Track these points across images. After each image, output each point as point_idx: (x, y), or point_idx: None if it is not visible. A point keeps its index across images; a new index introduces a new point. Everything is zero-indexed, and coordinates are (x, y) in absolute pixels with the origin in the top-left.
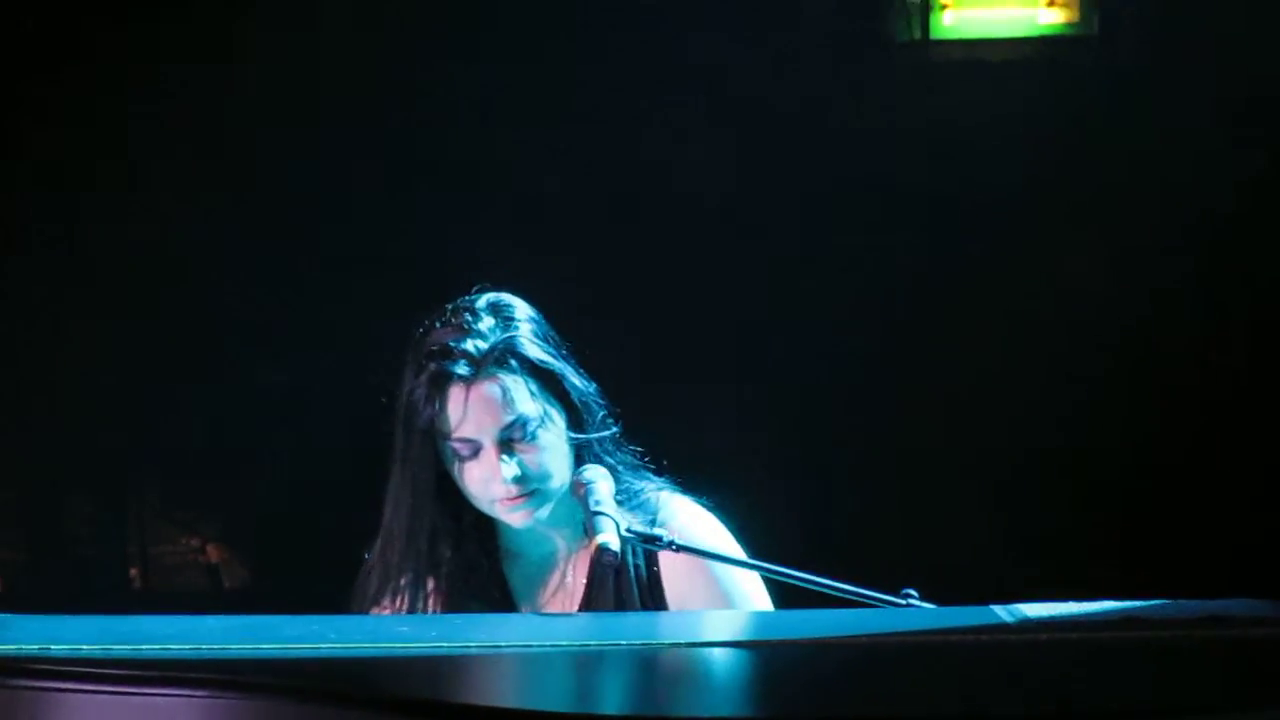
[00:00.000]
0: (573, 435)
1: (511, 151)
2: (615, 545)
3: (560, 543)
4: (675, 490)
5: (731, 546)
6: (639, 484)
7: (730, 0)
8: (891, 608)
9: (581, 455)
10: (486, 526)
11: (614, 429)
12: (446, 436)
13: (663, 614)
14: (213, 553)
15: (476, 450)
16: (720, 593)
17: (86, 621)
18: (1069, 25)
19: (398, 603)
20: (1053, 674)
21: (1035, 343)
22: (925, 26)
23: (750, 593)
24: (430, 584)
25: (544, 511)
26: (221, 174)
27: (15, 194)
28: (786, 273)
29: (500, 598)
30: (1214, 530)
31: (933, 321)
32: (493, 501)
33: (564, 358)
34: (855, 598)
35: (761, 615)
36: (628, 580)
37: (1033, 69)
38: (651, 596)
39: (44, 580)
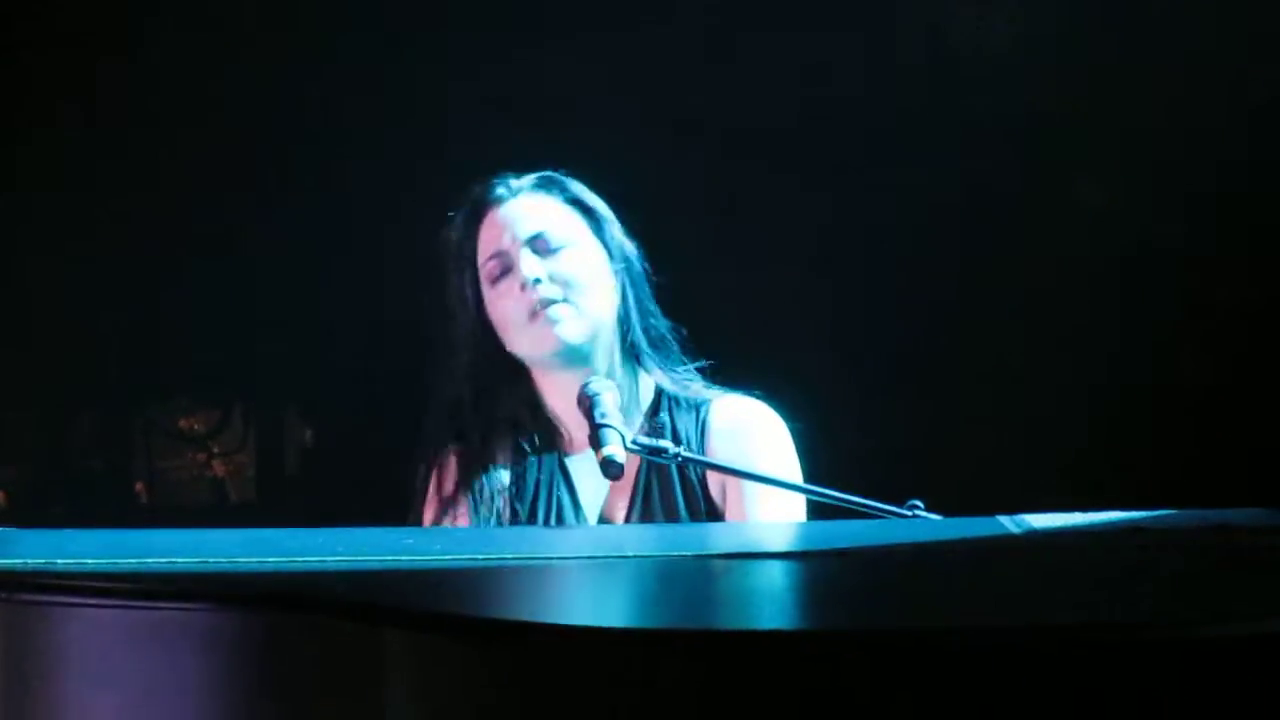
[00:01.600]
0: (618, 271)
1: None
2: (621, 458)
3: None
4: (720, 387)
5: (786, 439)
6: (691, 376)
7: None
8: (901, 518)
9: (626, 308)
10: (529, 387)
11: (664, 320)
12: (482, 264)
13: (670, 526)
14: (218, 467)
15: (507, 268)
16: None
17: (91, 535)
18: None
19: (451, 463)
20: (1059, 584)
21: (1052, 263)
22: None
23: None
24: (482, 443)
25: (578, 333)
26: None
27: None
28: (808, 193)
29: (555, 461)
30: (1223, 442)
31: (950, 241)
32: (523, 324)
33: (617, 227)
34: (864, 509)
35: (768, 527)
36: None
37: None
38: (701, 478)
39: (49, 495)
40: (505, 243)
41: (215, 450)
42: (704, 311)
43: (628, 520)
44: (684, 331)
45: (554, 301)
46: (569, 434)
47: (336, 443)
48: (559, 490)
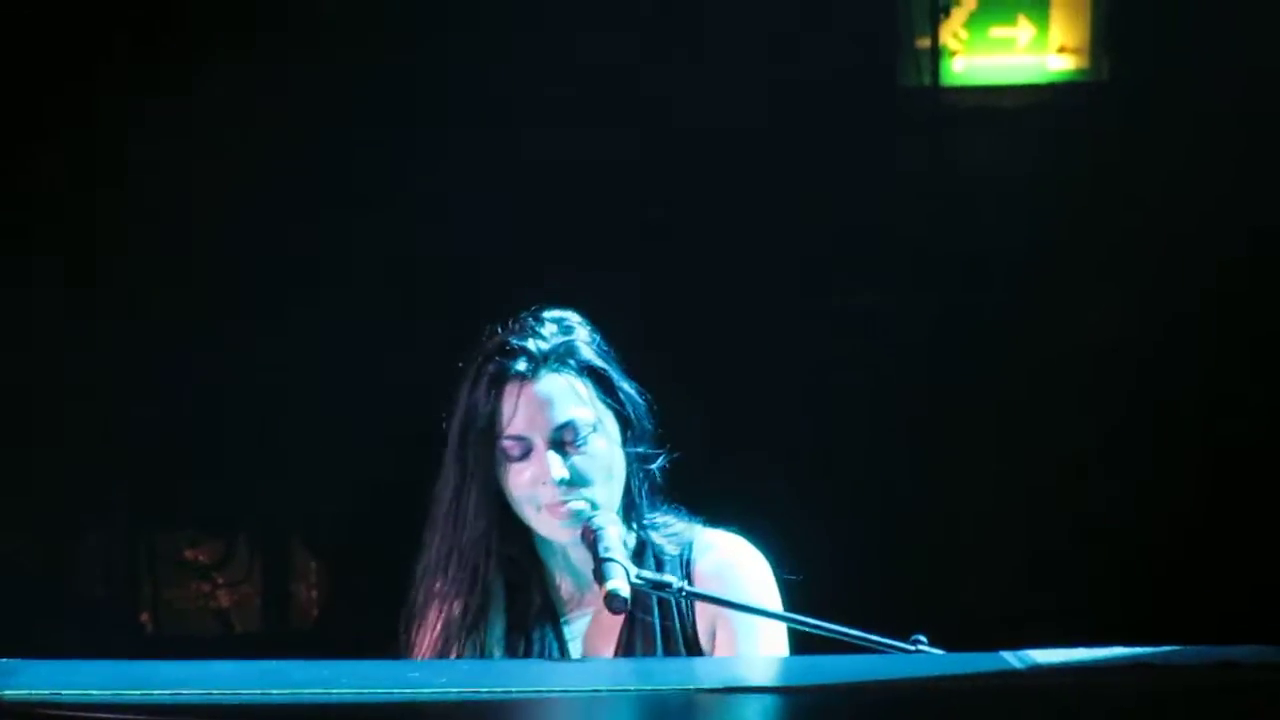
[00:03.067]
0: (627, 447)
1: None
2: (625, 592)
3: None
4: (704, 523)
5: (770, 577)
6: (667, 517)
7: (739, 39)
8: (904, 653)
9: (630, 472)
10: (531, 546)
11: (663, 452)
12: (499, 436)
13: (669, 659)
14: (224, 597)
15: (527, 450)
16: (743, 618)
17: (97, 666)
18: (1079, 72)
19: (451, 617)
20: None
21: (1047, 388)
22: (935, 72)
23: (771, 626)
24: (483, 599)
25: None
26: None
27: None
28: (790, 321)
29: (549, 619)
30: (1227, 577)
31: (943, 370)
32: (539, 506)
33: (620, 370)
34: (866, 643)
35: (771, 660)
36: (669, 606)
37: (1043, 116)
38: (688, 616)
39: (55, 625)
40: (527, 428)
41: (220, 581)
42: (678, 441)
43: None
44: (667, 470)
45: (575, 498)
46: (565, 595)
47: (341, 574)
48: (549, 644)
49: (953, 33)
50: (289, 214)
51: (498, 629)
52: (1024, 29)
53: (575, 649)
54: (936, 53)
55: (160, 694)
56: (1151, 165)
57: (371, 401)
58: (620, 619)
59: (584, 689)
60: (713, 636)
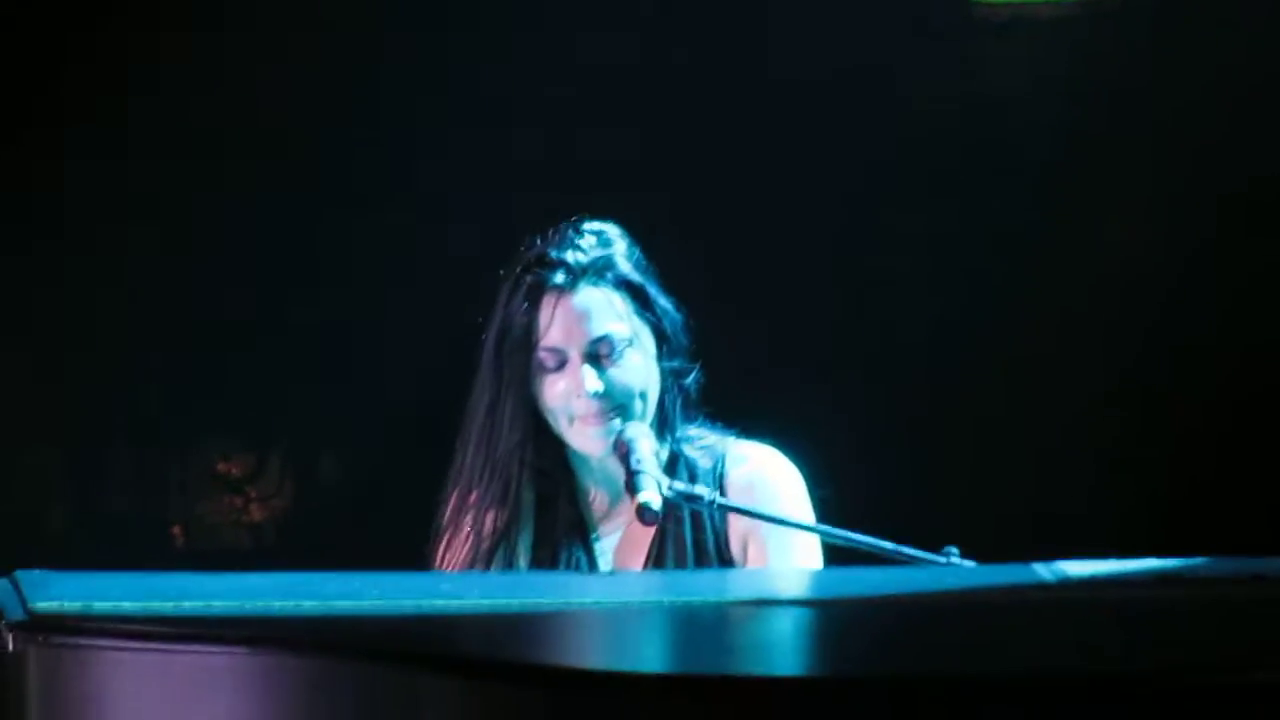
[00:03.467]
0: (662, 362)
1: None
2: (657, 504)
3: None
4: (736, 436)
5: (803, 489)
6: (701, 430)
7: None
8: (933, 565)
9: (664, 387)
10: (563, 459)
11: (697, 366)
12: (534, 347)
13: (700, 571)
14: (255, 511)
15: (562, 362)
16: (776, 531)
17: (128, 579)
18: None
19: (482, 528)
20: (1093, 632)
21: (1080, 307)
22: None
23: (804, 538)
24: (515, 510)
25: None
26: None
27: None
28: (833, 238)
29: (579, 533)
30: (1256, 491)
31: (979, 287)
32: (572, 418)
33: (658, 284)
34: (897, 556)
35: (802, 573)
36: (701, 518)
37: (1075, 27)
38: (720, 528)
39: (86, 537)
40: (563, 340)
41: (252, 495)
42: (714, 355)
43: None
44: (703, 384)
45: (608, 410)
46: (596, 508)
47: (374, 487)
48: (579, 556)
49: None
50: (327, 136)
51: (528, 540)
52: None
53: (605, 562)
54: None
55: (192, 605)
56: (1184, 78)
57: (407, 315)
58: (651, 532)
59: (615, 600)
60: (745, 549)
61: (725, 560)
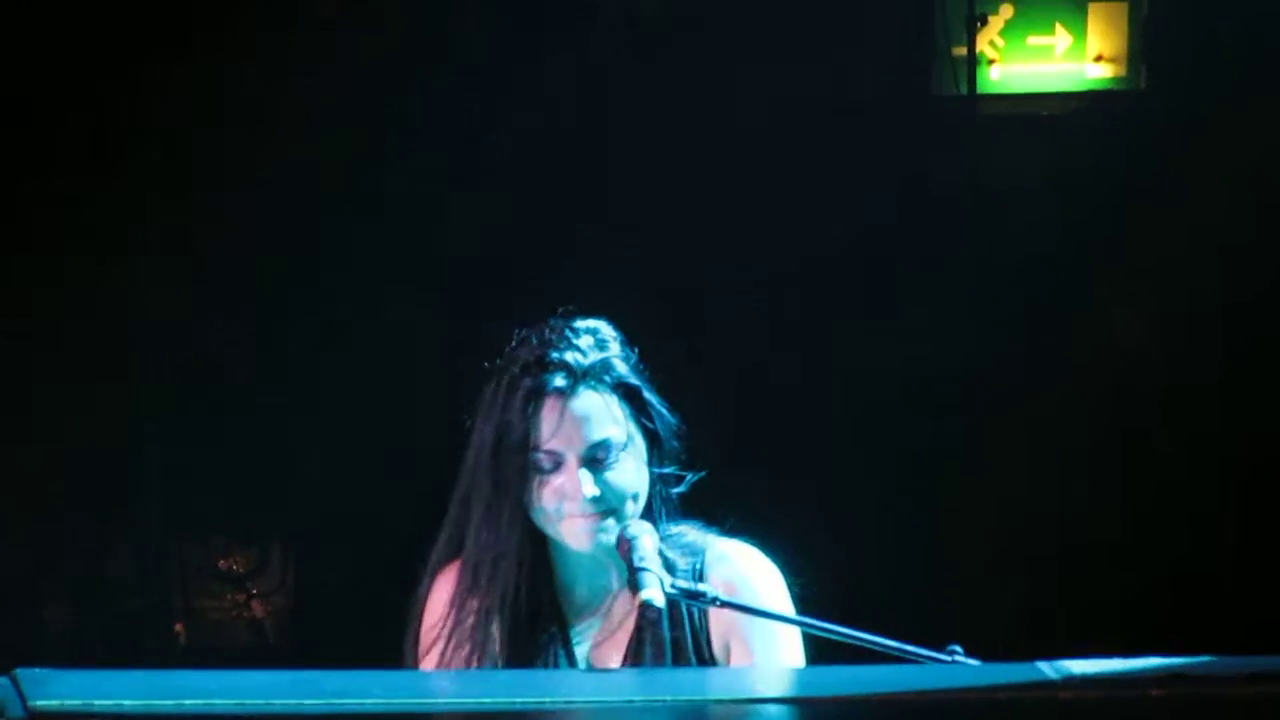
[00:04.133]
0: (654, 468)
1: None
2: (659, 602)
3: (613, 579)
4: (718, 534)
5: (783, 588)
6: (682, 527)
7: (776, 50)
8: (936, 664)
9: (653, 490)
10: (545, 554)
11: (690, 475)
12: (532, 449)
13: (701, 669)
14: (257, 608)
15: (558, 464)
16: (760, 631)
17: (129, 676)
18: (1116, 80)
19: (465, 619)
20: None
21: (1081, 402)
22: (972, 81)
23: (789, 640)
24: (503, 612)
25: (609, 536)
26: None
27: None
28: (830, 330)
29: (557, 629)
30: (1258, 591)
31: (977, 380)
32: (563, 518)
33: (651, 387)
34: (900, 654)
35: (805, 671)
36: (680, 615)
37: (1080, 124)
38: (701, 628)
39: (88, 635)
40: (562, 445)
41: (254, 591)
42: (696, 454)
43: None
44: (700, 477)
45: (600, 513)
46: (576, 601)
47: (374, 583)
48: (557, 651)
49: (989, 41)
50: (318, 222)
51: (505, 633)
52: (1061, 38)
53: (582, 657)
54: (973, 61)
55: (193, 703)
56: (1187, 175)
57: (403, 411)
58: (629, 629)
59: (617, 699)
60: (728, 649)
61: (705, 659)
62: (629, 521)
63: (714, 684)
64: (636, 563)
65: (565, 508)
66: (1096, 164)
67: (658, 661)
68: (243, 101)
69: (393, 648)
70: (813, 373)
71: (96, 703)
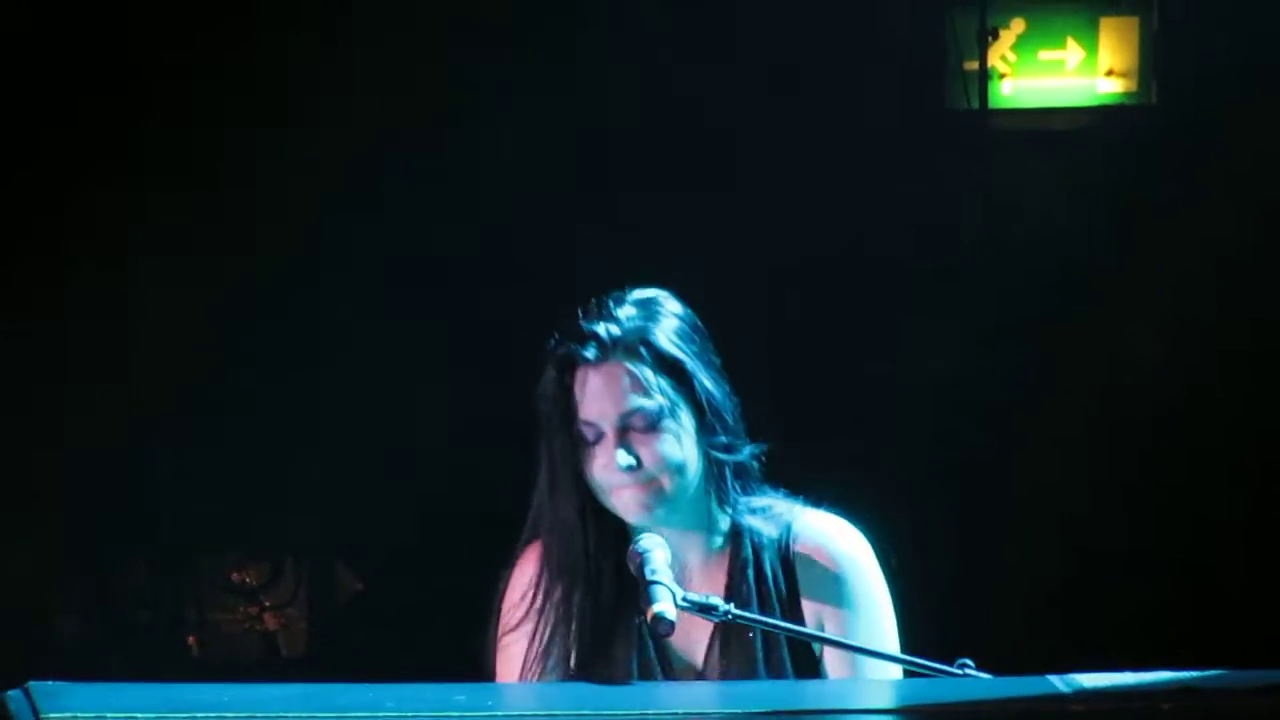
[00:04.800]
0: (703, 436)
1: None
2: (672, 615)
3: (689, 553)
4: (804, 504)
5: (872, 557)
6: (767, 499)
7: (789, 64)
8: (949, 677)
9: (710, 461)
10: (614, 529)
11: (749, 446)
12: (573, 421)
13: (716, 683)
14: (270, 620)
15: (599, 435)
16: (852, 611)
17: (142, 689)
18: (1127, 94)
19: (558, 605)
20: None
21: (1094, 413)
22: (984, 95)
23: (881, 617)
24: (582, 588)
25: (662, 509)
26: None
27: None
28: (839, 338)
29: (633, 612)
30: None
31: (988, 392)
32: (611, 490)
33: (704, 360)
34: (912, 667)
35: (817, 684)
36: (768, 589)
37: (1091, 138)
38: (790, 609)
39: (101, 647)
40: (596, 414)
41: (266, 603)
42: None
43: (707, 659)
44: (764, 450)
45: (644, 483)
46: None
47: (387, 596)
48: (641, 628)
49: (1001, 55)
50: (333, 240)
51: (588, 611)
52: (1073, 52)
53: (674, 638)
54: (985, 75)
55: (205, 717)
56: (1198, 188)
57: (416, 422)
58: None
59: (632, 712)
60: (820, 625)
61: (794, 641)
62: (640, 536)
63: (718, 697)
64: (648, 576)
65: (610, 479)
66: (1107, 177)
67: (745, 648)
68: (246, 100)
69: (406, 659)
70: (823, 384)
71: (109, 715)
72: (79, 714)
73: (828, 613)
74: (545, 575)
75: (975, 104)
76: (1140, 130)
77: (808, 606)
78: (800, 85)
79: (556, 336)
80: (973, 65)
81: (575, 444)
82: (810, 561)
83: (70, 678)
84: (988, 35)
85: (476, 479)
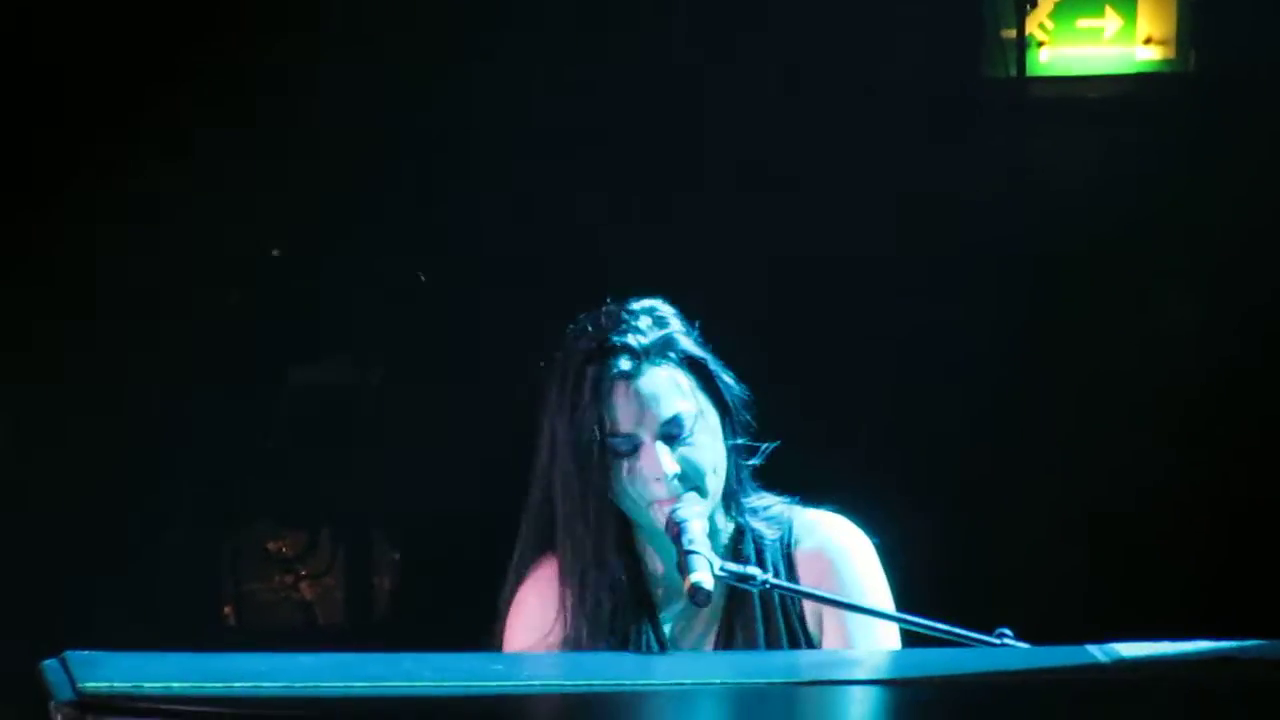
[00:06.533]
0: (729, 437)
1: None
2: (709, 584)
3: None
4: (802, 504)
5: (874, 556)
6: (766, 500)
7: (825, 34)
8: (987, 647)
9: (730, 461)
10: (634, 541)
11: (764, 445)
12: (609, 436)
13: (755, 653)
14: (306, 590)
15: (636, 447)
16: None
17: (179, 659)
18: (1165, 63)
19: (573, 619)
20: (1149, 714)
21: (1129, 384)
22: (1021, 63)
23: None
24: (609, 604)
25: (696, 516)
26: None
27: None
28: (872, 314)
29: (647, 616)
30: None
31: (1025, 361)
32: (650, 503)
33: (716, 359)
34: (950, 637)
35: (854, 655)
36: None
37: (1128, 106)
38: (793, 603)
39: (138, 616)
40: (634, 426)
41: (303, 573)
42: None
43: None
44: (774, 448)
45: (687, 490)
46: (665, 584)
47: (424, 565)
48: (646, 635)
49: (1039, 23)
50: (366, 210)
51: (606, 622)
52: (1111, 20)
53: (676, 635)
54: (1023, 43)
55: (242, 686)
56: (1239, 158)
57: (456, 397)
58: (720, 607)
59: (669, 682)
60: (820, 621)
61: (797, 636)
62: (678, 504)
63: (764, 667)
64: (685, 545)
65: (651, 491)
66: (1145, 146)
67: (748, 636)
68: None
69: (441, 629)
70: (848, 357)
71: (145, 685)
72: (115, 683)
73: (830, 612)
74: (569, 587)
75: (1013, 72)
76: (1178, 98)
77: (810, 606)
78: (835, 53)
79: (574, 354)
80: (1010, 33)
81: (607, 461)
82: (812, 562)
83: (107, 647)
84: (1025, 3)
85: (517, 449)
